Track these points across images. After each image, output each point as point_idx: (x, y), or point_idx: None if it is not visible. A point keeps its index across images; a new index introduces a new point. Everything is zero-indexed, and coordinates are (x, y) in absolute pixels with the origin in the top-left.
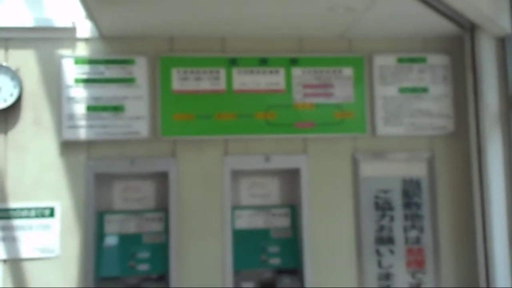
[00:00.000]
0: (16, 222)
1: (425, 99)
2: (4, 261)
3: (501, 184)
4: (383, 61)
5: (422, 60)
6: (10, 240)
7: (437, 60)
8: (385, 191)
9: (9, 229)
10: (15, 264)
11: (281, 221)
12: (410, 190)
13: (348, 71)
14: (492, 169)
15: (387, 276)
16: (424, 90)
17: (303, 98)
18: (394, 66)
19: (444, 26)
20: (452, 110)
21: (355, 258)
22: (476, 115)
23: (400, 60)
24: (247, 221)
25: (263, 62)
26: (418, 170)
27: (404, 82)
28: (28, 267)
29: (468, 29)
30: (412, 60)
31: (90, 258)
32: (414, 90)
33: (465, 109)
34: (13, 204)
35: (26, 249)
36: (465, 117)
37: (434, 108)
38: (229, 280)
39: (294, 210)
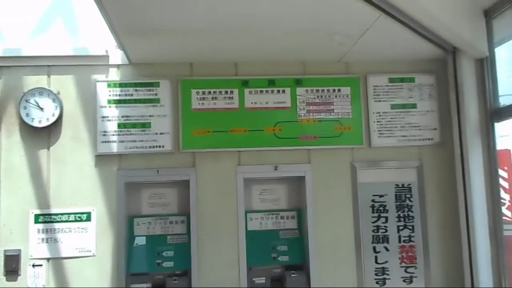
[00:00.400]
0: (58, 226)
1: (413, 114)
2: (48, 259)
3: (482, 188)
4: (377, 81)
5: (411, 80)
6: (53, 242)
7: (423, 79)
8: (380, 196)
9: (52, 231)
10: (57, 262)
11: (288, 223)
12: (402, 194)
13: (346, 90)
14: (474, 175)
15: (383, 271)
16: (413, 106)
17: (306, 114)
18: (386, 85)
19: (429, 49)
20: (438, 123)
21: (354, 255)
22: (459, 127)
23: (391, 80)
24: (258, 223)
25: (271, 83)
26: (408, 176)
27: (395, 99)
28: (68, 265)
29: (451, 52)
30: (402, 80)
31: (122, 257)
32: (404, 106)
33: (449, 122)
34: (55, 210)
35: (66, 249)
36: (449, 130)
37: (421, 121)
38: (244, 276)
39: (300, 213)
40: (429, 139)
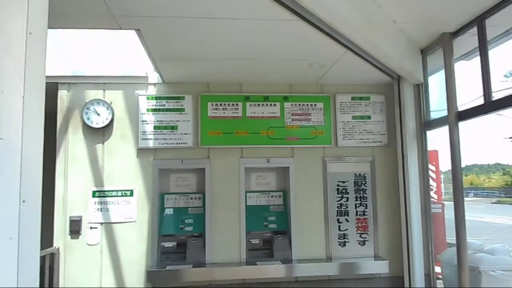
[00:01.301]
0: (109, 199)
1: (368, 123)
2: (102, 223)
3: (416, 177)
4: (342, 99)
5: (367, 98)
6: (105, 210)
7: (376, 98)
8: (343, 182)
9: (104, 203)
10: (108, 226)
11: (276, 200)
12: (359, 181)
13: (320, 105)
14: (411, 168)
15: (344, 236)
16: (368, 117)
17: (291, 122)
18: (349, 102)
19: (381, 76)
20: (386, 130)
21: (324, 224)
22: (401, 133)
23: (353, 98)
24: (255, 200)
25: (266, 98)
26: (364, 168)
27: (355, 112)
28: (116, 228)
29: (396, 79)
30: (361, 98)
31: (155, 223)
32: (362, 117)
33: (394, 130)
34: (107, 187)
35: (115, 216)
36: (394, 135)
37: (374, 129)
38: (243, 238)
39: (285, 193)
40: (379, 141)
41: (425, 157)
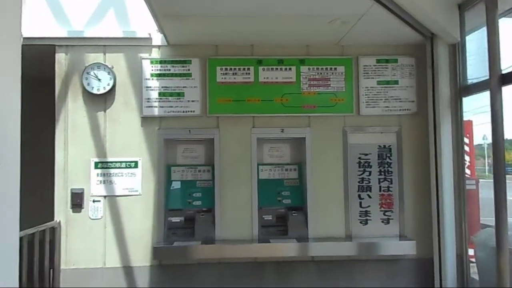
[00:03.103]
0: (112, 171)
1: (395, 89)
2: (105, 197)
3: (450, 150)
4: (366, 62)
5: (395, 61)
6: (109, 183)
7: (405, 60)
8: (366, 154)
9: (107, 175)
10: (112, 199)
11: (291, 174)
12: (383, 153)
13: (341, 69)
14: (444, 140)
15: (366, 213)
16: (395, 82)
17: (308, 88)
18: (374, 65)
19: (411, 35)
20: (415, 96)
21: (343, 200)
22: (433, 100)
23: (379, 61)
24: (267, 173)
25: (280, 62)
26: (389, 139)
27: (381, 77)
28: (120, 201)
29: (429, 38)
30: (387, 61)
31: (162, 196)
32: (388, 82)
33: (424, 96)
34: (110, 158)
35: (119, 189)
36: (425, 102)
37: (402, 95)
38: (255, 214)
39: (300, 166)
40: (407, 109)
41: (460, 126)
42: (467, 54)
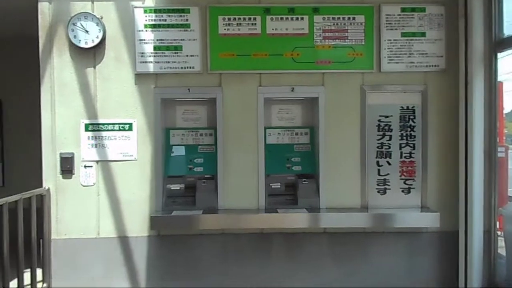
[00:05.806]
0: (105, 134)
1: (422, 42)
2: (97, 162)
3: (482, 112)
4: (389, 10)
5: (422, 9)
6: (101, 147)
7: (434, 9)
8: (386, 116)
9: (99, 138)
10: (105, 164)
11: (302, 139)
12: (406, 115)
13: (360, 18)
14: (476, 101)
15: (384, 182)
16: (422, 34)
17: (322, 40)
18: (398, 15)
19: None
20: (444, 51)
21: (359, 168)
22: (465, 55)
23: (403, 10)
24: (275, 138)
25: (291, 10)
26: (413, 99)
27: (406, 28)
28: (114, 167)
29: None
30: (413, 10)
31: (160, 162)
32: (414, 34)
33: (455, 51)
34: (101, 120)
35: (112, 154)
36: (455, 57)
37: (429, 49)
38: (262, 181)
39: (312, 130)
40: (435, 65)
41: (495, 86)
42: (504, 3)
